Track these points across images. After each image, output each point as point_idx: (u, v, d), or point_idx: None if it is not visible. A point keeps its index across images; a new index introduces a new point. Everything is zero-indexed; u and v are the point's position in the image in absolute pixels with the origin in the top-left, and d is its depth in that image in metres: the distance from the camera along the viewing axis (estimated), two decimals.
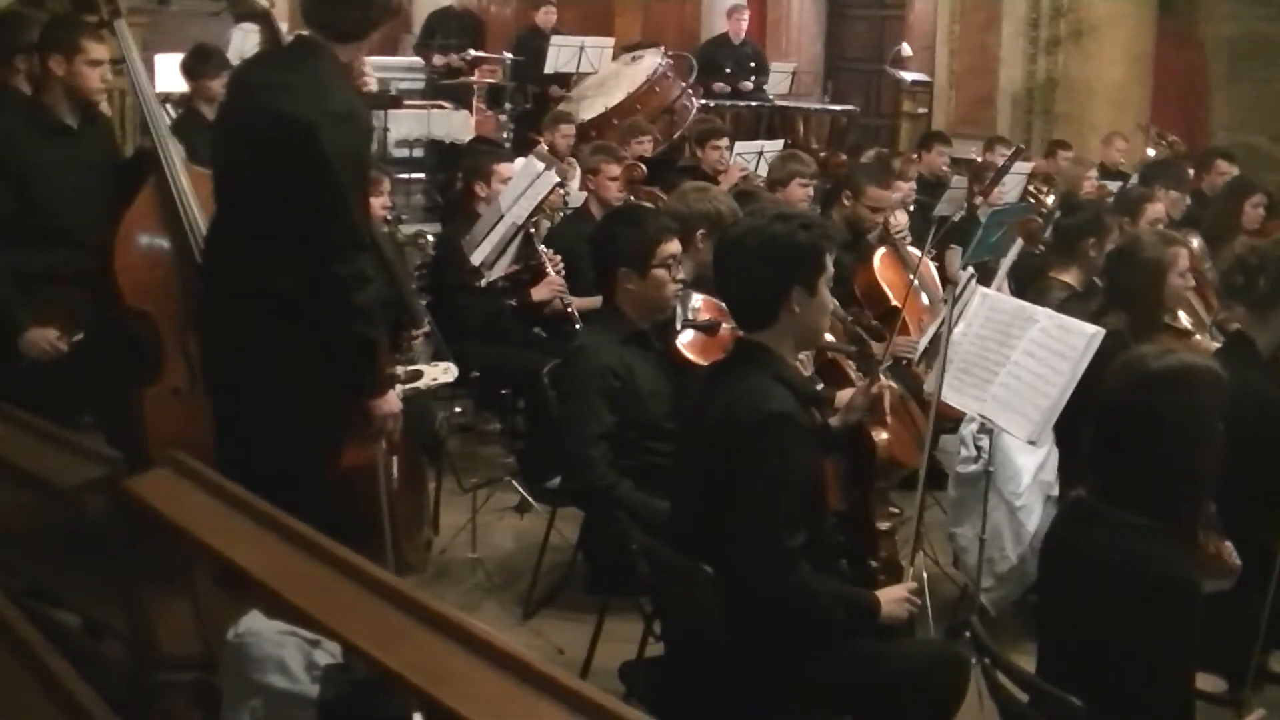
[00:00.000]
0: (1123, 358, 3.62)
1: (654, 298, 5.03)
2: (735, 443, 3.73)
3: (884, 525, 4.56)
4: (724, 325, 5.11)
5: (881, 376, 4.48)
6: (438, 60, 14.21)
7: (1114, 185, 10.03)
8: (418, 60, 14.66)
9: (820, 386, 5.27)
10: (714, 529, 3.78)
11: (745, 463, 3.70)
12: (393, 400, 4.73)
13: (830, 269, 3.94)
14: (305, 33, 4.44)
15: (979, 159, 11.12)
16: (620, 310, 5.07)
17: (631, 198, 8.14)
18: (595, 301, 7.07)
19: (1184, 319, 6.14)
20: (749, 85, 15.11)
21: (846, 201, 7.44)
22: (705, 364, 4.69)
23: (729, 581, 3.70)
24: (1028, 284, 6.82)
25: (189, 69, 8.19)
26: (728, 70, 15.19)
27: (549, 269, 7.10)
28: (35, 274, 5.39)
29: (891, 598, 3.96)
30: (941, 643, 5.01)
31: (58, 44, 5.45)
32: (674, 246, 5.03)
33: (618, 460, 4.89)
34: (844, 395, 5.01)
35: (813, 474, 3.89)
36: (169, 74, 9.60)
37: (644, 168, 9.35)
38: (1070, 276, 6.16)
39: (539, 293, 7.09)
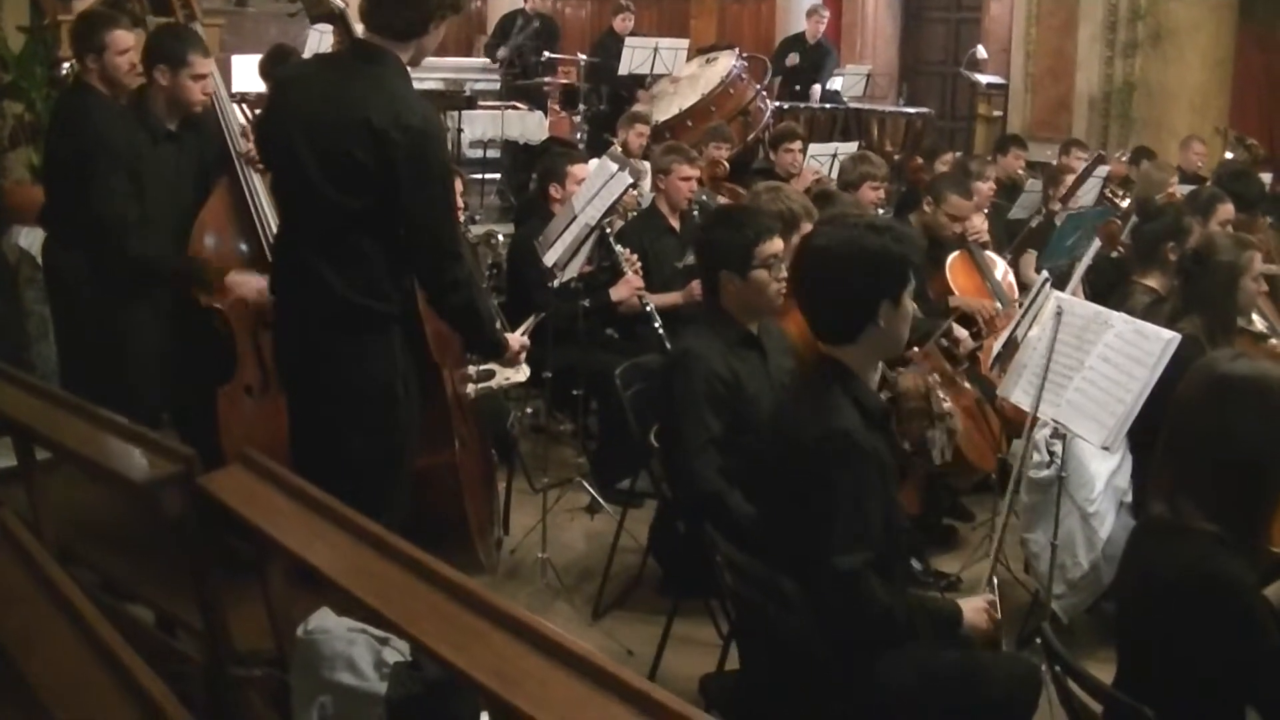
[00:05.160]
0: (1196, 363, 3.58)
1: (756, 299, 4.91)
2: (801, 459, 3.69)
3: None
4: None
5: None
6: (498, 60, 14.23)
7: (1185, 189, 9.89)
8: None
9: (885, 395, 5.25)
10: (788, 541, 3.76)
11: (807, 479, 3.66)
12: (514, 341, 5.06)
13: (913, 281, 3.86)
14: (365, 37, 4.35)
15: (1055, 162, 11.02)
16: (726, 312, 4.98)
17: (704, 196, 8.15)
18: (674, 298, 7.08)
19: (1258, 322, 6.09)
20: (818, 89, 15.05)
21: (928, 208, 7.40)
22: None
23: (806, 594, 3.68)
24: (1107, 289, 6.76)
25: (267, 71, 8.25)
26: (799, 68, 15.16)
27: (627, 269, 7.12)
28: None
29: (975, 606, 3.93)
30: (1014, 655, 4.95)
31: (165, 55, 5.54)
32: (774, 246, 4.87)
33: (730, 464, 4.78)
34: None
35: (879, 491, 3.75)
36: (246, 74, 9.70)
37: (727, 165, 9.41)
38: (1153, 281, 6.12)
39: (618, 293, 7.13)
